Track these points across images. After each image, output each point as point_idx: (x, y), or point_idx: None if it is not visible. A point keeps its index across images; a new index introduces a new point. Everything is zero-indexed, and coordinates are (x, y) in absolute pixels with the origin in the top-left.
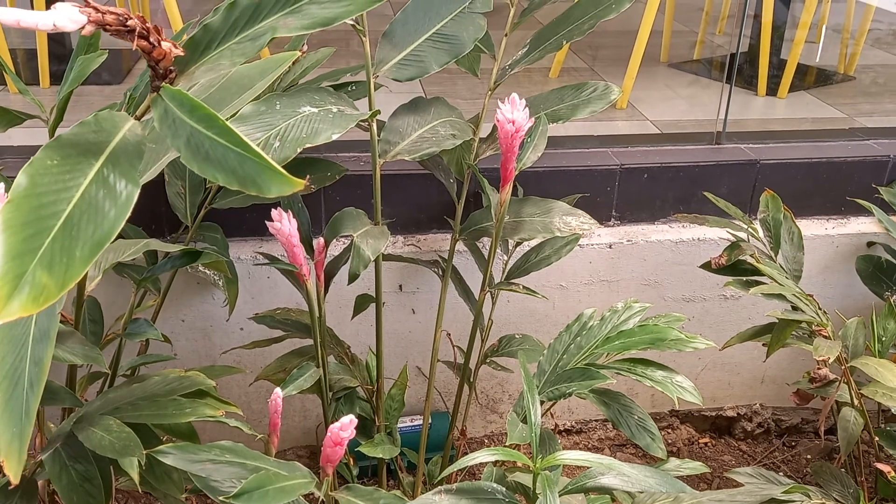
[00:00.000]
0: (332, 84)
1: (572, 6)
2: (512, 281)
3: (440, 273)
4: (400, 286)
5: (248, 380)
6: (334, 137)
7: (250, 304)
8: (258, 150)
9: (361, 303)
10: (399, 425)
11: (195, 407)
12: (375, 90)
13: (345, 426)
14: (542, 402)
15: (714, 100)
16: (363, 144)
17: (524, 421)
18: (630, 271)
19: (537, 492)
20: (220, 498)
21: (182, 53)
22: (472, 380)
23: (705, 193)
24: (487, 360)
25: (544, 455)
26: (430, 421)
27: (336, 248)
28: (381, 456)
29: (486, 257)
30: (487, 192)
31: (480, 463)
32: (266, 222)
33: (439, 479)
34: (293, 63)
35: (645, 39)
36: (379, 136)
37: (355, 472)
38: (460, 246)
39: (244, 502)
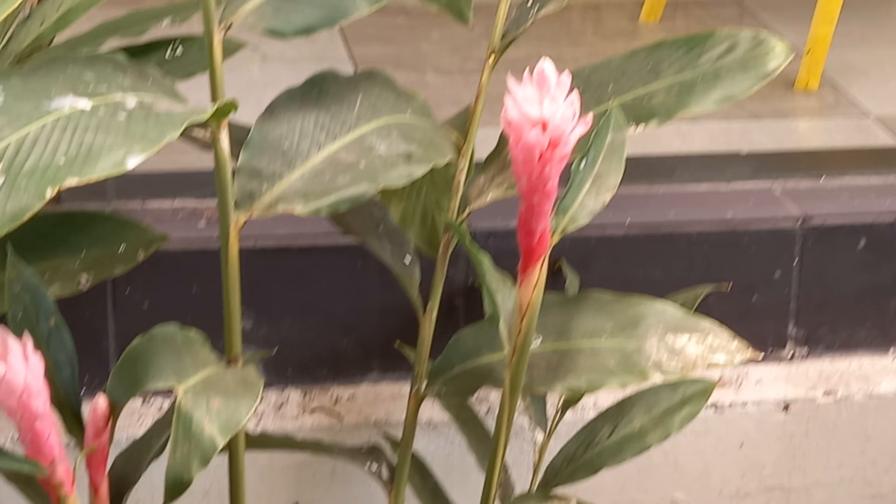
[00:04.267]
0: (128, 46)
1: None
2: (554, 493)
3: (383, 477)
4: None
5: None
6: (133, 164)
7: None
8: None
9: None
10: None
11: None
12: (227, 56)
13: None
14: None
15: None
16: (203, 180)
17: None
18: (836, 465)
19: None
20: None
21: None
22: None
23: None
24: None
25: None
26: None
27: (139, 417)
28: None
29: (494, 436)
30: (489, 287)
31: None
32: None
33: None
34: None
35: None
36: (236, 160)
37: None
38: (431, 410)
39: None
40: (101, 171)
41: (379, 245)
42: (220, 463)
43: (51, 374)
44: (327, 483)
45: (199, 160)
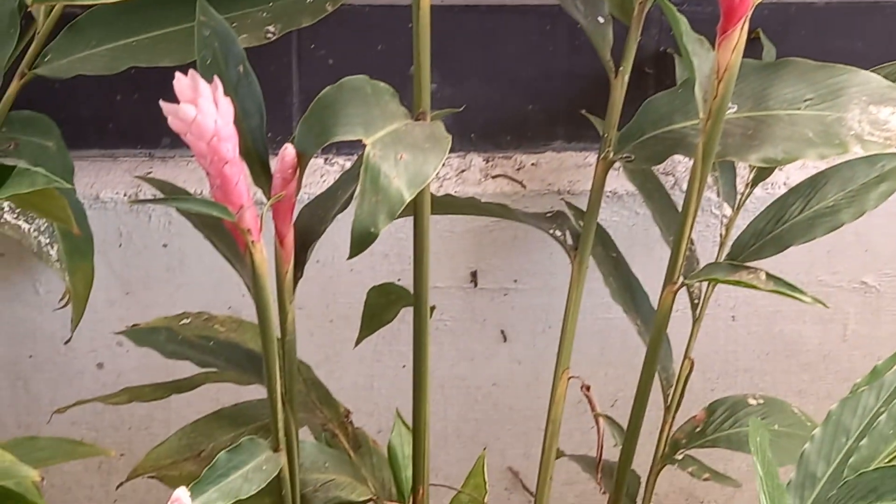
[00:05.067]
0: None
1: None
2: (746, 264)
3: (567, 244)
4: (473, 274)
5: (116, 476)
6: None
7: (122, 305)
8: None
9: (380, 307)
10: None
11: None
12: None
13: None
14: None
15: None
16: None
17: None
18: None
19: None
20: None
21: None
22: (643, 501)
23: None
24: (680, 455)
25: None
26: None
27: (322, 175)
28: None
29: (683, 206)
30: (686, 49)
31: None
32: (161, 103)
33: None
34: None
35: None
36: None
37: None
38: (616, 181)
39: None
40: None
41: (572, 2)
42: (399, 227)
43: (239, 122)
44: (507, 250)
45: None
